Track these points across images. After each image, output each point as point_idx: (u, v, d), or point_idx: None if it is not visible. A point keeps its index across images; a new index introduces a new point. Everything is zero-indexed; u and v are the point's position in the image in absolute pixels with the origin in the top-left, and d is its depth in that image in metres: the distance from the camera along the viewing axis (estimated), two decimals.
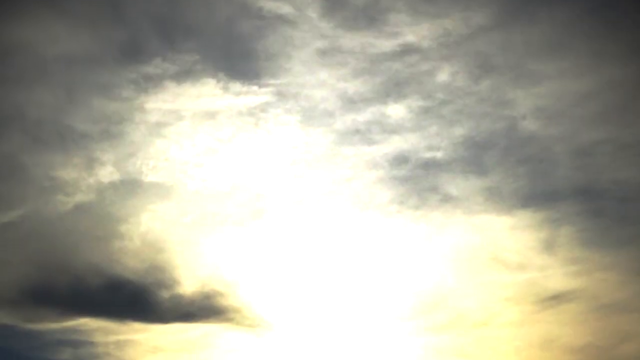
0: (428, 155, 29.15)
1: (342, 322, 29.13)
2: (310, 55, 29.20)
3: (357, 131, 29.28)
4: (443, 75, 29.05)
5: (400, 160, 29.22)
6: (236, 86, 28.95)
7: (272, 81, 29.06)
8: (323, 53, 29.12)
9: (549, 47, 29.26)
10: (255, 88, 29.02)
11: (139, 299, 28.48)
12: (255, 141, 29.23)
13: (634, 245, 28.72)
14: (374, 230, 29.26)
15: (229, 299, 28.64)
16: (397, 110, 29.18)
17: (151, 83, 28.89)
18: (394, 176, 29.31)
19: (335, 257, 29.04)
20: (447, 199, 29.21)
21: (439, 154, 29.15)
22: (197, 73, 28.99)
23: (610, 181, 29.01)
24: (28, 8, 28.66)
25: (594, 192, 29.22)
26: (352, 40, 29.09)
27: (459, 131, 29.21)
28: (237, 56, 29.60)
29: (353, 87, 29.21)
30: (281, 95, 29.17)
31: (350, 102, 29.25)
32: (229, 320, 28.71)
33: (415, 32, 28.98)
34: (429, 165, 29.21)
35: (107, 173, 28.91)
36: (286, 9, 28.95)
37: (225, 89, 28.91)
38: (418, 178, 29.34)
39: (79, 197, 28.81)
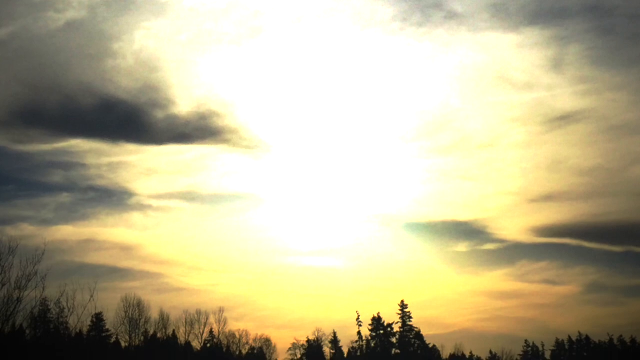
0: None
1: (343, 144, 28.24)
2: None
3: None
4: None
5: None
6: None
7: None
8: None
9: None
10: None
11: (133, 119, 27.78)
12: None
13: None
14: (376, 48, 28.38)
15: (226, 120, 27.94)
16: None
17: None
18: None
19: (336, 77, 28.11)
20: (451, 15, 28.46)
21: None
22: None
23: None
24: None
25: (604, 9, 28.41)
26: None
27: None
28: None
29: None
30: None
31: None
32: (225, 141, 28.05)
33: None
34: None
35: None
36: None
37: None
38: None
39: (70, 14, 27.99)
